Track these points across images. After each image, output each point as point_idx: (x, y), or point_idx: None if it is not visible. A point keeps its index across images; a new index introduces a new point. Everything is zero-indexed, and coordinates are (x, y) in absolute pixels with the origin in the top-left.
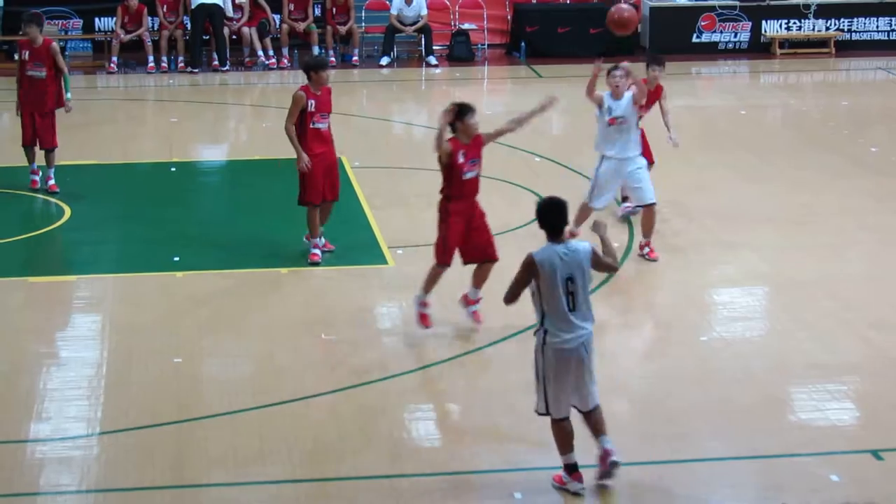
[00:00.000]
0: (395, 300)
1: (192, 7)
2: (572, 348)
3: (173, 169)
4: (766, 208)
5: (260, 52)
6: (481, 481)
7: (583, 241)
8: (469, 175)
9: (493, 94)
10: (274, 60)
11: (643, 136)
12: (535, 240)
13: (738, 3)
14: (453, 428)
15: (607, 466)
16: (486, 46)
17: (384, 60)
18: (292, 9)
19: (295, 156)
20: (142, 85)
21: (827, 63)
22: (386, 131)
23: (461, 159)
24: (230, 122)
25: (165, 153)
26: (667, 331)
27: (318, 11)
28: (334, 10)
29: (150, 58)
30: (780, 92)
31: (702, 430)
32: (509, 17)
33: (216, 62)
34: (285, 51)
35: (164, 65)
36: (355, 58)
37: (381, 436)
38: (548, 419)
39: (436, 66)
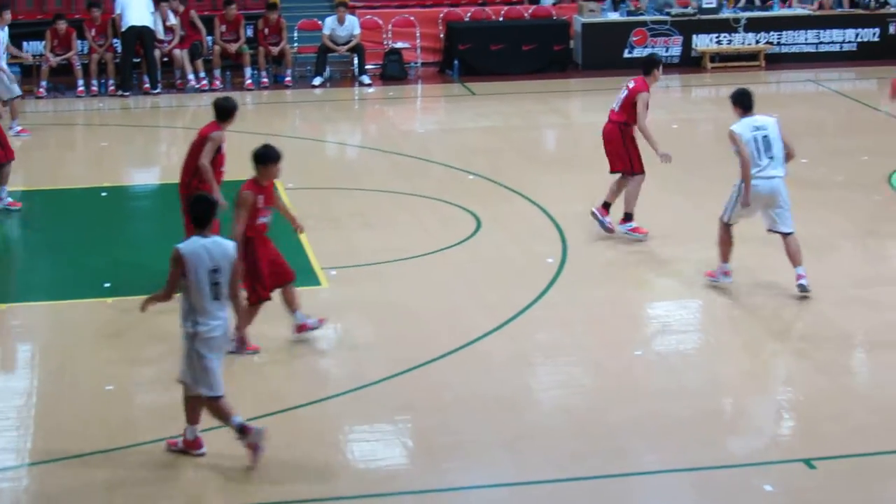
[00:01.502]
0: (331, 321)
1: (123, 29)
2: (219, 336)
3: (104, 194)
4: (698, 222)
5: (191, 75)
6: (419, 501)
7: (229, 241)
8: (262, 220)
9: (427, 112)
10: (206, 82)
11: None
12: (472, 259)
13: (669, 19)
14: (395, 446)
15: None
16: (419, 65)
17: (317, 80)
18: (224, 30)
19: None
20: (72, 109)
21: (757, 76)
22: (319, 152)
23: (259, 204)
24: (161, 146)
25: (96, 178)
26: (602, 346)
27: (250, 32)
28: (266, 30)
29: (80, 82)
30: (711, 106)
31: (638, 444)
32: (442, 36)
33: (147, 85)
34: (217, 73)
35: (95, 88)
36: (288, 78)
37: (316, 458)
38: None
39: (369, 85)
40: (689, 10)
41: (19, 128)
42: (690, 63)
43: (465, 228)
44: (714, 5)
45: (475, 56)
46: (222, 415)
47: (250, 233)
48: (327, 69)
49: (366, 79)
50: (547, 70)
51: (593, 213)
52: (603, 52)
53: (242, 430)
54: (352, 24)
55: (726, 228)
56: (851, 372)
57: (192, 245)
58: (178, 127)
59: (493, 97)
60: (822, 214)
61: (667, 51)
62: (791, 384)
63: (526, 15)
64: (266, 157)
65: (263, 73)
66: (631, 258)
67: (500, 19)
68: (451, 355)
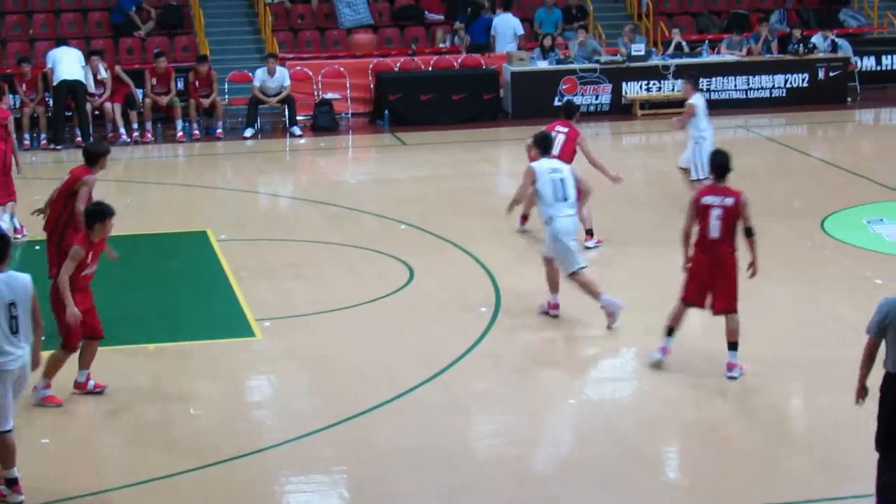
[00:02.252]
0: (264, 372)
1: (54, 83)
2: (15, 369)
3: (38, 248)
4: (629, 270)
5: (122, 128)
6: None
7: (26, 275)
8: (87, 272)
9: (358, 162)
10: (138, 135)
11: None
12: (406, 309)
13: (598, 66)
14: (331, 498)
15: None
16: (349, 115)
17: (248, 132)
18: (155, 83)
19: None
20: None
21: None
22: (251, 203)
23: (88, 259)
24: (93, 198)
25: (32, 231)
26: (536, 394)
27: (180, 85)
28: (197, 83)
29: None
30: (641, 153)
31: (572, 491)
32: (372, 86)
33: (79, 138)
34: (149, 125)
35: (27, 142)
36: (219, 130)
37: None
38: None
39: (300, 136)
40: (619, 57)
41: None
42: (621, 110)
43: (398, 278)
44: (642, 53)
45: (405, 106)
46: (6, 452)
47: (73, 284)
48: (258, 121)
49: (297, 130)
50: (477, 119)
51: (586, 247)
52: (533, 101)
53: (11, 483)
54: (282, 76)
55: (550, 262)
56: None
57: None
58: (110, 180)
59: (423, 147)
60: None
61: (597, 98)
62: (726, 428)
63: (455, 65)
64: (100, 215)
65: (195, 126)
66: (563, 305)
67: (430, 69)
68: (387, 405)
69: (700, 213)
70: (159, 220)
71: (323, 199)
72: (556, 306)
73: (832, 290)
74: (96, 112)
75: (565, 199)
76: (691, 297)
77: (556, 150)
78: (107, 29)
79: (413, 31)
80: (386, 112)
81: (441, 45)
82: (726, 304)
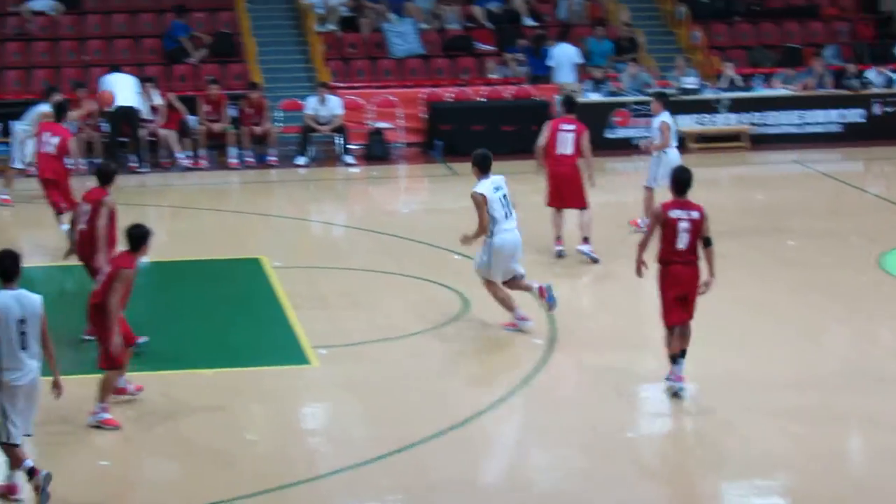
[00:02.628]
0: (319, 400)
1: (110, 109)
2: (25, 384)
3: None
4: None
5: (178, 154)
6: None
7: (37, 295)
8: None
9: (410, 192)
10: (191, 161)
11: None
12: (460, 339)
13: (650, 99)
14: None
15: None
16: (401, 145)
17: (301, 160)
18: (208, 110)
19: None
20: None
21: (742, 157)
22: (305, 231)
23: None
24: (148, 224)
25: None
26: (592, 427)
27: (233, 112)
28: (249, 110)
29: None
30: (694, 186)
31: None
32: (424, 116)
33: (134, 164)
34: (203, 152)
35: (82, 167)
36: (272, 158)
37: None
38: None
39: (352, 165)
40: (671, 90)
41: (5, 196)
42: None
43: (451, 308)
44: (695, 86)
45: (457, 136)
46: (15, 461)
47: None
48: (311, 149)
49: (349, 159)
50: (528, 150)
51: (579, 250)
52: None
53: (31, 473)
54: (334, 105)
55: (492, 285)
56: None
57: (1, 298)
58: (165, 206)
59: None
60: (811, 297)
61: (648, 130)
62: (789, 469)
63: (507, 96)
64: (147, 236)
65: (248, 153)
66: (618, 336)
67: (482, 100)
68: (442, 436)
69: (668, 225)
70: (213, 246)
71: (376, 228)
72: (524, 318)
73: (889, 328)
74: (151, 138)
75: (511, 215)
76: (677, 319)
77: (567, 148)
78: (160, 56)
79: (463, 61)
80: (438, 142)
81: (492, 76)
82: (692, 314)
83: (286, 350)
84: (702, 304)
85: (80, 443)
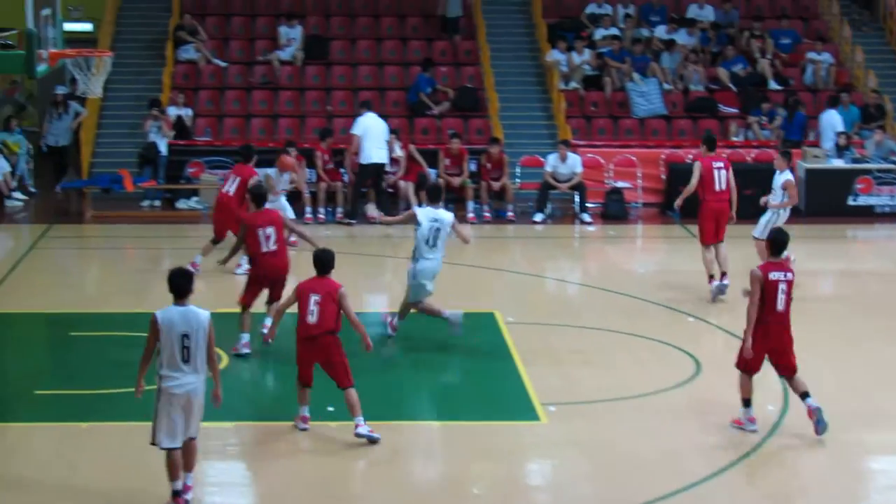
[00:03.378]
0: (547, 456)
1: (362, 161)
2: (179, 393)
3: None
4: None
5: (415, 207)
6: None
7: (204, 311)
8: None
9: (647, 252)
10: None
11: None
12: (691, 402)
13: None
14: None
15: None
16: (640, 205)
17: (538, 217)
18: (448, 163)
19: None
20: None
21: None
22: (539, 287)
23: None
24: (386, 275)
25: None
26: (829, 500)
27: (473, 166)
28: (489, 165)
29: (308, 209)
30: None
31: None
32: (663, 177)
33: (372, 213)
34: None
35: (321, 216)
36: (510, 213)
37: None
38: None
39: (590, 223)
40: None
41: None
42: None
43: (684, 371)
44: None
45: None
46: (171, 468)
47: None
48: (549, 206)
49: (587, 217)
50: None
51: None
52: (826, 199)
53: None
54: (574, 163)
55: (412, 306)
56: None
57: (167, 312)
58: (402, 257)
59: None
60: None
61: (892, 199)
62: None
63: (748, 159)
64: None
65: (485, 208)
66: (850, 406)
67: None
68: (668, 499)
69: (770, 288)
70: (447, 299)
71: (610, 287)
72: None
73: None
74: (390, 189)
75: (434, 246)
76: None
77: (723, 184)
78: (403, 108)
79: (706, 122)
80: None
81: (734, 139)
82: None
83: (516, 405)
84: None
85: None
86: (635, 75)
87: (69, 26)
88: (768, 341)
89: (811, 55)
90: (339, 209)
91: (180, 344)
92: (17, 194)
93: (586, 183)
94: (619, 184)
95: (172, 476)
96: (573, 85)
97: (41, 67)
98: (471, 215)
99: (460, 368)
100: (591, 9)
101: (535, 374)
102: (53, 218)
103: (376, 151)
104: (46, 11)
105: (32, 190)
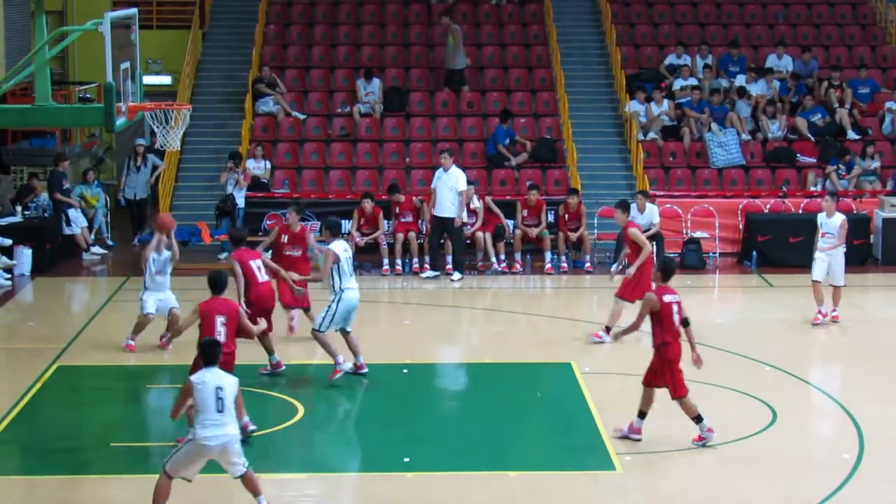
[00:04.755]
0: None
1: (434, 213)
2: (213, 445)
3: (405, 371)
4: None
5: (493, 258)
6: None
7: (234, 378)
8: None
9: (724, 302)
10: (506, 265)
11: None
12: (767, 451)
13: None
14: None
15: None
16: (717, 255)
17: (615, 268)
18: (525, 214)
19: None
20: (376, 287)
21: None
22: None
23: None
24: (462, 326)
25: (398, 355)
26: None
27: (551, 217)
28: (566, 216)
29: (385, 260)
30: None
31: None
32: (741, 226)
33: (449, 266)
34: (518, 256)
35: (398, 267)
36: (588, 264)
37: None
38: None
39: None
40: None
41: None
42: None
43: (761, 420)
44: None
45: (774, 248)
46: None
47: None
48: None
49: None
50: (846, 264)
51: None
52: None
53: None
54: (651, 213)
55: (322, 335)
56: None
57: (200, 375)
58: (478, 308)
59: (790, 289)
60: None
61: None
62: None
63: (854, 209)
64: None
65: (563, 258)
66: None
67: (800, 212)
68: None
69: (664, 309)
70: (525, 349)
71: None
72: (362, 366)
73: None
74: (468, 241)
75: (352, 276)
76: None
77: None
78: (481, 159)
79: (784, 172)
80: (754, 253)
81: (812, 189)
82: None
83: (592, 455)
84: None
85: None
86: (714, 125)
87: (148, 79)
88: (674, 359)
89: (890, 105)
90: (416, 260)
91: (215, 396)
92: (95, 248)
93: (664, 233)
94: (697, 234)
95: (159, 500)
96: (652, 135)
97: (120, 121)
98: (548, 266)
99: (536, 418)
100: (671, 59)
101: (610, 424)
102: (131, 271)
103: (443, 205)
104: (126, 65)
105: (110, 243)
